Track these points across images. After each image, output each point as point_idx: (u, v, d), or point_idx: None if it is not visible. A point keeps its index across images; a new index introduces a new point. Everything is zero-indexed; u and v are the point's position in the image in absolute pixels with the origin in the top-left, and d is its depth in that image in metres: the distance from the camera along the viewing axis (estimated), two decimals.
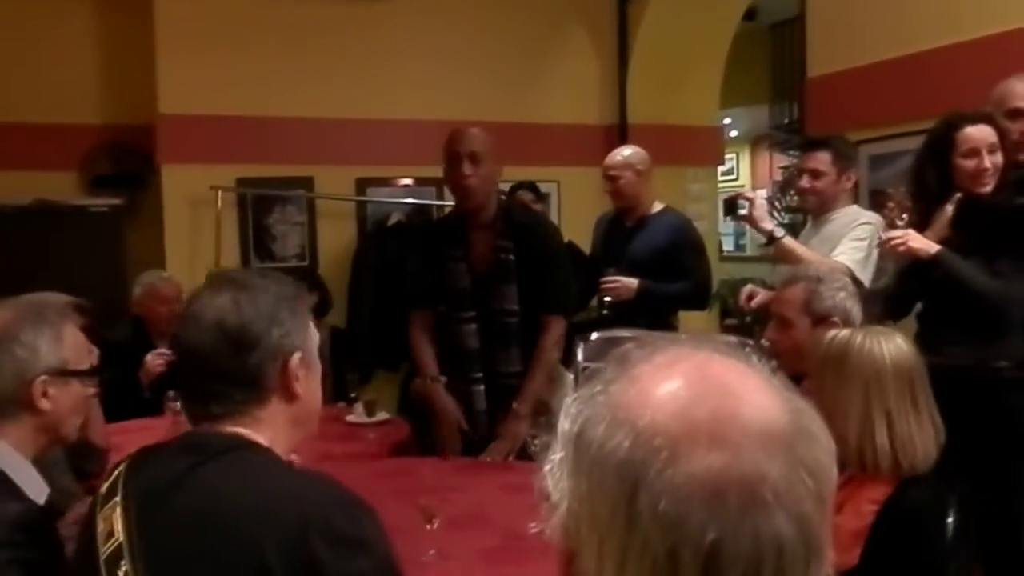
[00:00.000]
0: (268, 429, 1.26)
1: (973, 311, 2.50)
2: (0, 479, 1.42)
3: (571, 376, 2.36)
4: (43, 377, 1.49)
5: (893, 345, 1.65)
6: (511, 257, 2.73)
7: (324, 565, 1.09)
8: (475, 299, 2.76)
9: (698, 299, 3.57)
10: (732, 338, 0.68)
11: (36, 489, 1.47)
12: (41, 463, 1.90)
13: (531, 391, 2.65)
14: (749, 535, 0.56)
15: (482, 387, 2.76)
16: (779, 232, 2.87)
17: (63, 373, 1.52)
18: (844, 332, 1.71)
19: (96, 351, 2.70)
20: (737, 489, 0.57)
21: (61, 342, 1.53)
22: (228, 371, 1.24)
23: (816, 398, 1.57)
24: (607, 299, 3.32)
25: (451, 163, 2.72)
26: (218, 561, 1.10)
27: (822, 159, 2.96)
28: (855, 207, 3.01)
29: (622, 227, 3.57)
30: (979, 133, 2.53)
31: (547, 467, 0.66)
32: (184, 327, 1.27)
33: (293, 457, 1.39)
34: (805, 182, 2.98)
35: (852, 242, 2.81)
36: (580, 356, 1.93)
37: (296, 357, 1.27)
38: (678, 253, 3.44)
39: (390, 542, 1.18)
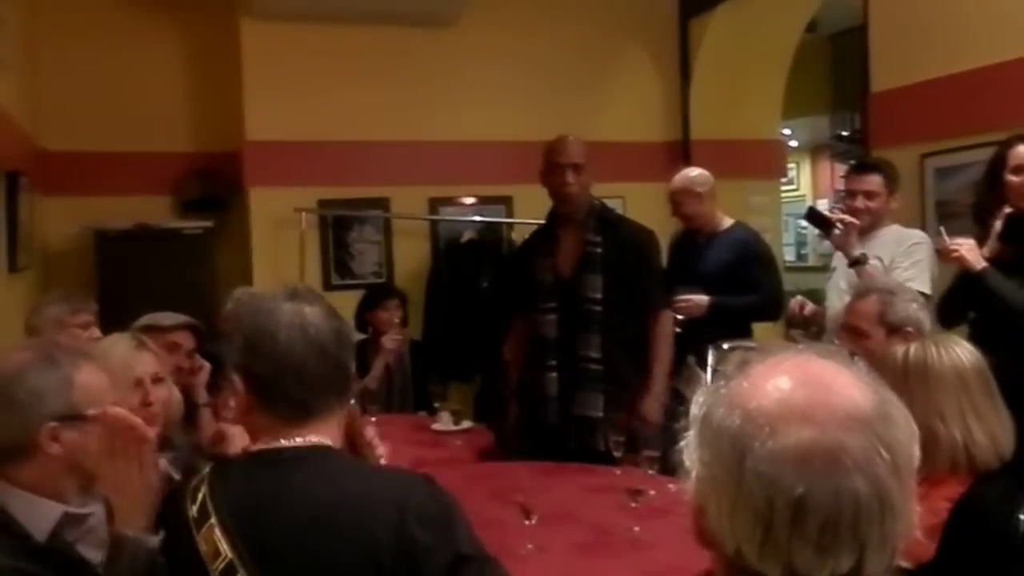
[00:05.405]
0: (334, 428, 1.35)
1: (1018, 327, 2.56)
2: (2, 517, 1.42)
3: (704, 375, 2.62)
4: (51, 423, 1.45)
5: (963, 348, 1.78)
6: (599, 250, 2.95)
7: (422, 546, 1.20)
8: (557, 291, 2.98)
9: (769, 311, 3.65)
10: (837, 347, 0.85)
11: (39, 521, 1.44)
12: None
13: (659, 376, 2.94)
14: (830, 491, 0.74)
15: (555, 374, 2.96)
16: (865, 257, 2.93)
17: (72, 417, 1.47)
18: (915, 345, 1.81)
19: (206, 366, 2.96)
20: (822, 456, 0.75)
21: (71, 386, 1.48)
22: (337, 373, 1.33)
23: (907, 409, 1.69)
24: (679, 317, 3.40)
25: (553, 171, 2.99)
26: (335, 560, 1.21)
27: (875, 181, 3.08)
28: (897, 226, 3.10)
29: (693, 243, 3.70)
30: None
31: (682, 443, 0.84)
32: (290, 333, 1.30)
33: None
34: (860, 203, 3.07)
35: (914, 267, 2.90)
36: (711, 360, 2.23)
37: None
38: (747, 267, 3.55)
39: (460, 504, 1.31)
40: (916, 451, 0.79)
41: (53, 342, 1.63)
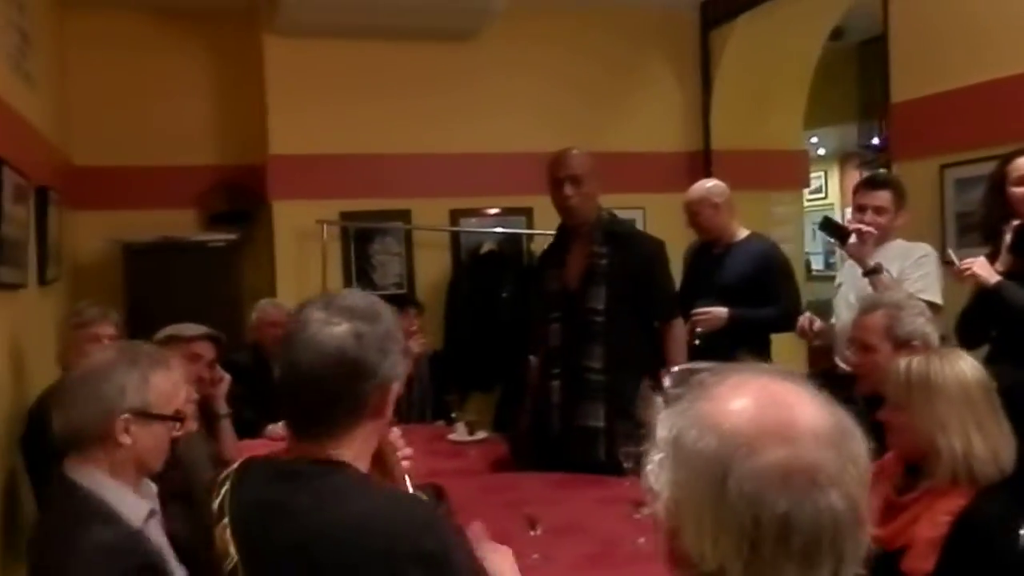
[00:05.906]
0: (357, 444, 1.32)
1: None
2: (97, 503, 1.58)
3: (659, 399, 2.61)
4: (126, 415, 1.63)
5: (966, 363, 1.78)
6: (604, 262, 2.97)
7: None
8: (563, 302, 3.01)
9: (789, 322, 3.57)
10: (784, 368, 0.87)
11: (133, 511, 1.62)
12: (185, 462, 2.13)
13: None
14: (811, 508, 0.76)
15: (557, 383, 2.98)
16: (880, 266, 2.91)
17: (144, 414, 1.66)
18: (919, 358, 1.82)
19: (226, 377, 3.03)
20: (801, 474, 0.77)
21: (147, 386, 1.67)
22: (344, 397, 1.30)
23: (910, 421, 1.70)
24: (698, 330, 3.37)
25: (554, 185, 2.99)
26: None
27: (884, 197, 3.08)
28: (901, 240, 3.10)
29: (710, 255, 3.68)
30: None
31: (648, 467, 0.85)
32: (303, 350, 1.29)
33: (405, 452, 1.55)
34: (869, 218, 3.05)
35: (925, 279, 2.90)
36: (666, 383, 2.23)
37: (396, 385, 1.36)
38: (766, 278, 3.51)
39: (467, 543, 1.31)
40: (869, 463, 0.81)
41: (137, 346, 1.80)
